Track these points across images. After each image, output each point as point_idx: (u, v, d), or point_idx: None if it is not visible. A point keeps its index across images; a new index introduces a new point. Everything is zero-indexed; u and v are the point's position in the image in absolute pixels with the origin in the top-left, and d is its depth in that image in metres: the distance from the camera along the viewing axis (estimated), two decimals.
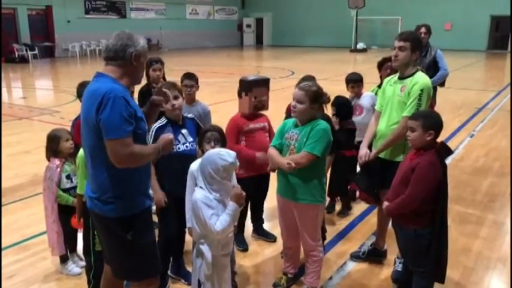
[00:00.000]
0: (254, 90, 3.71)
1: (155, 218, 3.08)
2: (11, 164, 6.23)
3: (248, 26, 34.92)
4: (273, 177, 3.43)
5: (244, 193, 2.64)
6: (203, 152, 2.93)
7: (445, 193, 2.80)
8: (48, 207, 3.46)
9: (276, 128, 3.43)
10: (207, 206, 2.54)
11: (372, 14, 27.71)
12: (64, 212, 3.43)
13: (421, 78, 3.26)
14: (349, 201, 4.78)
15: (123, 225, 2.39)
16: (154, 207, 3.11)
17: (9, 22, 21.73)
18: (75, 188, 3.34)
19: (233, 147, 3.26)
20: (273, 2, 33.30)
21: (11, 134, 7.86)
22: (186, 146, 3.27)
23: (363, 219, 4.60)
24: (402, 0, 28.34)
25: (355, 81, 4.66)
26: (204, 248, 2.62)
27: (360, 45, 27.54)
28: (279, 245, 3.84)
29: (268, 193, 4.04)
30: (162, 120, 3.25)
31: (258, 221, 4.21)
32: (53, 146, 3.48)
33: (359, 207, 4.84)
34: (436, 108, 4.99)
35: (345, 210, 4.70)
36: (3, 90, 13.30)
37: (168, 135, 2.58)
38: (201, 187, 2.60)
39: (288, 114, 3.77)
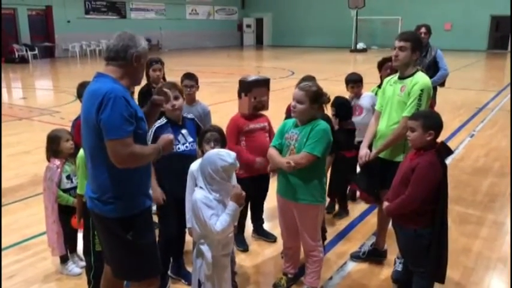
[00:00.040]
0: (254, 91, 3.71)
1: (155, 218, 3.08)
2: (11, 164, 6.23)
3: (248, 26, 34.91)
4: (273, 177, 3.42)
5: (244, 193, 2.64)
6: (203, 153, 2.93)
7: (445, 193, 2.80)
8: (48, 207, 3.46)
9: (276, 128, 3.43)
10: (207, 206, 2.54)
11: (372, 14, 27.70)
12: (64, 213, 3.43)
13: (421, 78, 3.27)
14: (347, 204, 4.76)
15: (123, 225, 2.39)
16: (154, 208, 3.12)
17: (9, 22, 21.73)
18: (75, 188, 3.34)
19: (233, 149, 3.25)
20: (273, 2, 33.30)
21: (11, 135, 7.86)
22: (186, 146, 3.26)
23: (363, 220, 4.60)
24: (402, 0, 28.34)
25: (354, 81, 4.66)
26: (204, 248, 2.62)
27: (360, 45, 27.54)
28: (279, 245, 3.84)
29: (268, 193, 4.04)
30: (162, 120, 3.24)
31: (258, 221, 4.21)
32: (53, 146, 3.48)
33: (359, 207, 4.84)
34: (436, 108, 4.99)
35: (342, 212, 4.68)
36: (3, 90, 13.30)
37: (168, 136, 2.58)
38: (201, 187, 2.61)
39: (288, 115, 3.77)
